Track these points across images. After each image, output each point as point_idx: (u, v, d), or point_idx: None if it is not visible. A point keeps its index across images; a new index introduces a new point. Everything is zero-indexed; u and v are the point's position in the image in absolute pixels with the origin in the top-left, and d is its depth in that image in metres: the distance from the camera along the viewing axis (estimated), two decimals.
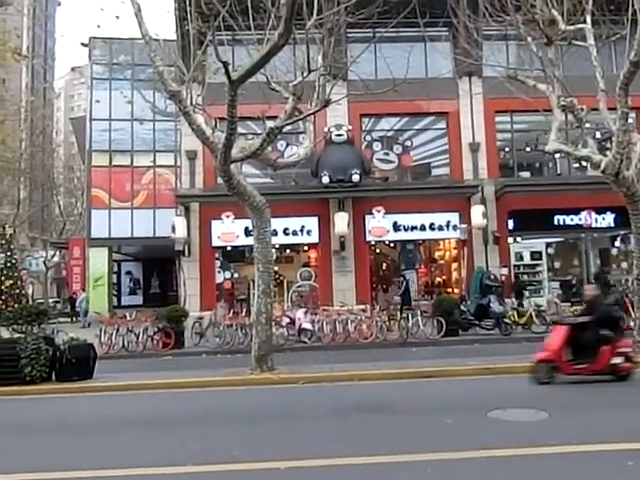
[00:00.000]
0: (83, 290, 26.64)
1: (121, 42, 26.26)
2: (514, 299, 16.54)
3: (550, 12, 11.27)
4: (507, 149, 19.29)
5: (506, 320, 14.24)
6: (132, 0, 8.16)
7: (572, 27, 11.25)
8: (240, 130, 10.76)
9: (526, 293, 17.61)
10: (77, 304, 25.91)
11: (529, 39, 11.80)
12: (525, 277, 18.45)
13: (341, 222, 17.35)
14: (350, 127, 17.90)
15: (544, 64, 11.55)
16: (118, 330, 13.73)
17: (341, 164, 17.13)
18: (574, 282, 18.58)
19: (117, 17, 8.55)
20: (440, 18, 15.26)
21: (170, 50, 10.57)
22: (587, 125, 11.73)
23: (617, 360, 7.88)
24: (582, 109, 11.33)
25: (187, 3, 9.41)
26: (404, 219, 17.98)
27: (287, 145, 18.42)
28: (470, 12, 13.90)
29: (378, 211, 17.74)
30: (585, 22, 11.23)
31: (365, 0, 11.08)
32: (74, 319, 27.12)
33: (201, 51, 9.94)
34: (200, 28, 9.97)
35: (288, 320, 14.53)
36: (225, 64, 7.39)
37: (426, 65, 18.57)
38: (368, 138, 19.05)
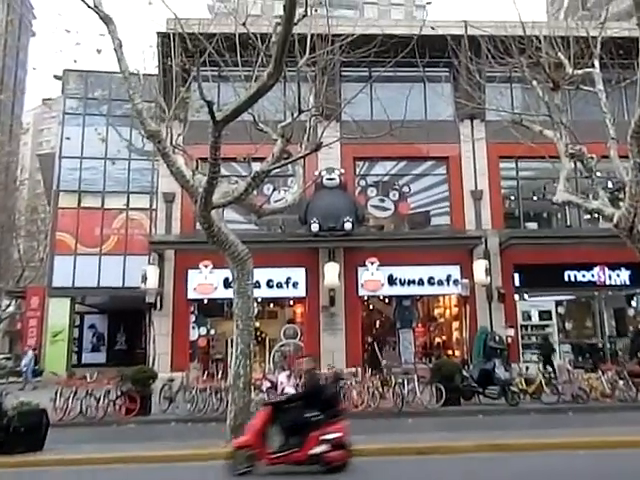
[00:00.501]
0: (34, 349, 25.18)
1: (97, 75, 26.80)
2: (541, 365, 16.02)
3: (556, 55, 11.70)
4: (512, 198, 19.64)
5: (513, 388, 14.04)
6: (112, 35, 8.36)
7: (580, 71, 11.68)
8: (223, 172, 10.86)
9: (555, 357, 17.46)
10: (23, 364, 24.28)
11: (534, 83, 12.19)
12: (534, 339, 18.39)
13: (331, 274, 17.35)
14: (343, 171, 18.23)
15: (551, 109, 11.88)
16: (76, 393, 13.34)
17: (332, 211, 17.30)
18: (600, 345, 18.53)
19: (99, 51, 8.73)
20: (440, 58, 15.93)
21: (150, 86, 10.75)
22: (598, 174, 11.93)
23: (319, 449, 7.27)
24: (592, 158, 11.60)
25: (171, 38, 9.65)
26: (400, 272, 18.05)
27: (274, 190, 18.64)
28: (472, 53, 14.44)
29: (372, 263, 17.80)
30: (593, 66, 11.69)
31: (361, 39, 11.47)
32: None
33: (184, 88, 10.14)
34: (184, 64, 10.20)
35: (269, 384, 14.20)
36: (209, 104, 7.52)
37: (425, 107, 19.09)
38: (362, 183, 19.35)
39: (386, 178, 19.41)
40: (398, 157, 18.71)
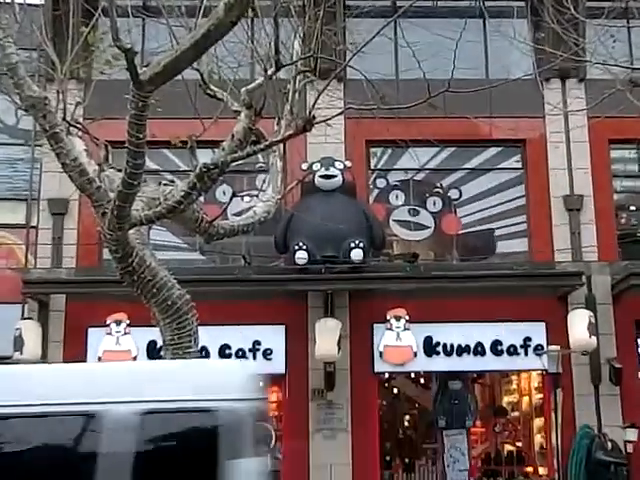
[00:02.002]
0: None
1: None
2: None
3: None
4: (633, 208, 19.92)
5: None
6: None
7: None
8: (149, 166, 10.92)
9: None
10: None
11: None
12: None
13: (328, 336, 17.14)
14: (349, 164, 18.21)
15: None
16: None
17: (331, 230, 16.90)
18: None
19: None
20: None
21: (33, 25, 10.88)
22: None
23: None
24: None
25: None
26: (445, 333, 18.08)
27: (234, 195, 18.25)
28: None
29: (397, 317, 17.79)
30: None
31: None
32: None
33: (88, 28, 10.25)
34: None
35: None
36: (129, 53, 7.67)
37: (487, 59, 19.53)
38: (381, 184, 19.51)
39: (421, 175, 19.54)
40: (442, 141, 18.57)
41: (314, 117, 10.18)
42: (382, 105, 11.52)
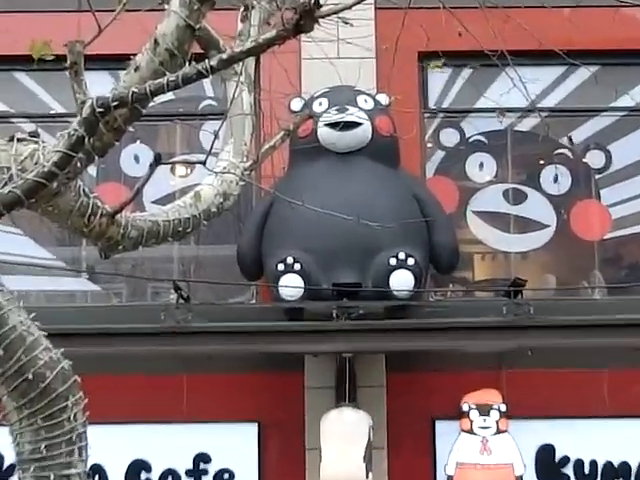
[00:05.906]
0: None
1: None
2: None
3: None
4: None
5: None
6: None
7: None
8: None
9: None
10: None
11: None
12: None
13: (345, 445, 16.85)
14: (385, 99, 17.84)
15: None
16: None
17: (350, 231, 16.56)
18: None
19: None
20: None
21: None
22: None
23: None
24: None
25: None
26: (579, 440, 17.70)
27: (157, 163, 17.92)
28: None
29: (484, 408, 17.31)
30: None
31: None
32: None
33: None
34: None
35: None
36: None
37: None
38: (450, 139, 19.15)
39: (529, 123, 19.03)
40: (571, 52, 17.20)
41: (318, 4, 9.36)
42: None
